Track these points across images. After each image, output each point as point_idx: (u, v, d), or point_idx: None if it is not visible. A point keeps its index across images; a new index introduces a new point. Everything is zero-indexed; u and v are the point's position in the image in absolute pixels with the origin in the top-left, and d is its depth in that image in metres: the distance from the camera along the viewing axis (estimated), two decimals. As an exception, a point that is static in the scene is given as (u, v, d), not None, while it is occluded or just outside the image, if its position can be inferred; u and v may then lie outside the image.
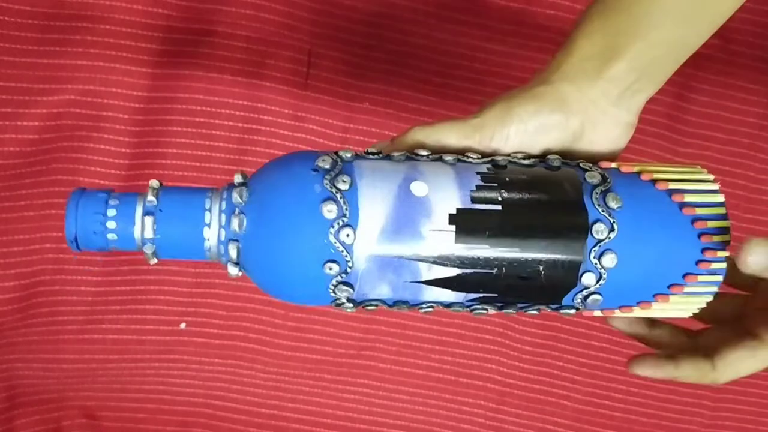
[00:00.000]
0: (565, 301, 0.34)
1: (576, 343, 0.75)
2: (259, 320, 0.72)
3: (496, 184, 0.33)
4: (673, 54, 0.35)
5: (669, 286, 0.34)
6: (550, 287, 0.33)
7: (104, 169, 0.66)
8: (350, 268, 0.32)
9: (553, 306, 0.35)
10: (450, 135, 0.35)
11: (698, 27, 0.34)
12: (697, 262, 0.33)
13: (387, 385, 0.74)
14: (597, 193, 0.33)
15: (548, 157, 0.35)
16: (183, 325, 0.71)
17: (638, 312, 0.35)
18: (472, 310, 0.35)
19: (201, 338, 0.72)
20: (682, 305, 0.35)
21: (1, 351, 0.69)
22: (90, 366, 0.71)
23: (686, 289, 0.34)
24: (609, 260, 0.32)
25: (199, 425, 0.74)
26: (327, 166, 0.32)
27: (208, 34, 0.67)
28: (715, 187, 0.35)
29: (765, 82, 0.73)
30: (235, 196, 0.32)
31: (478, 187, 0.33)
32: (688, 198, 0.34)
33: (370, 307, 0.34)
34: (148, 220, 0.32)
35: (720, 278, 0.34)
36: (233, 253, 0.32)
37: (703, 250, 0.33)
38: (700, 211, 0.33)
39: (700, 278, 0.34)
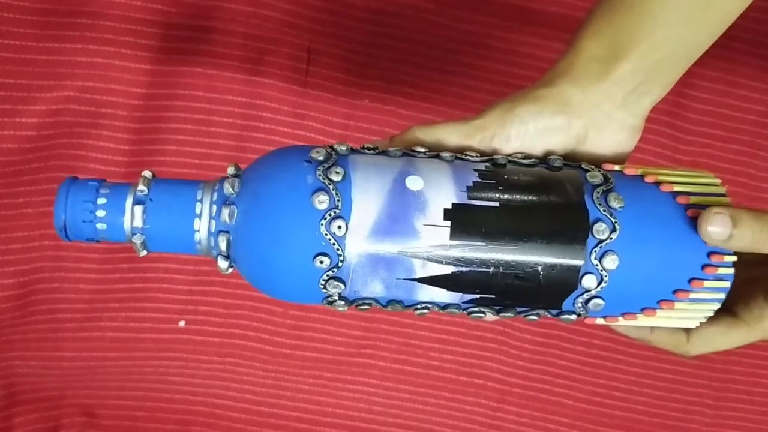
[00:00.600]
0: (566, 305, 0.33)
1: (577, 342, 0.75)
2: (258, 318, 0.72)
3: (494, 182, 0.32)
4: (679, 55, 0.34)
5: (674, 292, 0.33)
6: (550, 289, 0.32)
7: (103, 165, 0.66)
8: (342, 262, 0.31)
9: (554, 311, 0.34)
10: (450, 135, 0.35)
11: (705, 27, 0.34)
12: (703, 267, 0.33)
13: (387, 384, 0.74)
14: (598, 192, 0.32)
15: (549, 157, 0.34)
16: (182, 323, 0.71)
17: (642, 320, 0.34)
18: (469, 313, 0.34)
19: (200, 336, 0.72)
20: (688, 313, 0.34)
21: (0, 349, 0.68)
22: (88, 364, 0.71)
23: (692, 296, 0.33)
24: (610, 262, 0.31)
25: (198, 423, 0.73)
26: (321, 158, 0.32)
27: (207, 30, 0.67)
28: (722, 190, 0.34)
29: (766, 80, 0.72)
30: (227, 187, 0.32)
31: (475, 184, 0.32)
32: (694, 200, 0.33)
33: (363, 307, 0.33)
34: (138, 209, 0.32)
35: (728, 284, 0.33)
36: (223, 244, 0.32)
37: (710, 254, 0.33)
38: None
39: (707, 284, 0.33)
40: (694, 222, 0.32)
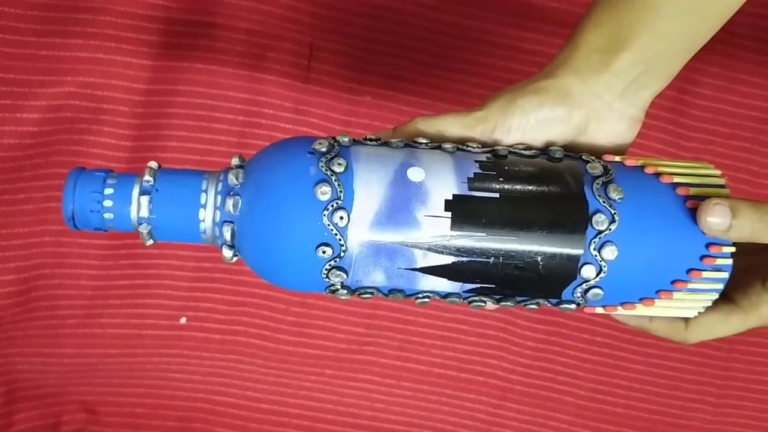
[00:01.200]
0: (565, 295, 0.33)
1: (578, 339, 0.74)
2: (259, 315, 0.72)
3: (494, 173, 0.32)
4: (679, 47, 0.34)
5: (672, 282, 0.33)
6: (549, 279, 0.32)
7: (104, 161, 0.66)
8: (344, 252, 0.31)
9: (553, 300, 0.34)
10: (452, 126, 0.35)
11: (705, 20, 0.34)
12: (702, 258, 0.33)
13: (388, 381, 0.74)
14: (598, 184, 0.32)
15: (550, 148, 0.34)
16: (183, 320, 0.71)
17: (641, 309, 0.34)
18: (469, 303, 0.34)
19: (201, 333, 0.71)
20: (686, 303, 0.34)
21: (1, 345, 0.68)
22: (89, 360, 0.71)
23: (690, 286, 0.33)
24: (609, 252, 0.32)
25: (199, 420, 0.73)
26: (323, 150, 0.32)
27: (208, 26, 0.67)
28: (722, 181, 0.34)
29: (769, 76, 0.72)
30: (231, 178, 0.32)
31: (476, 175, 0.32)
32: (693, 192, 0.33)
33: (365, 296, 0.34)
34: (144, 199, 0.32)
35: (726, 275, 0.33)
36: (227, 234, 0.32)
37: (708, 245, 0.33)
38: None
39: (705, 274, 0.33)
40: (693, 213, 0.33)
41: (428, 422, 0.75)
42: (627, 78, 0.34)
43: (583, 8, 0.36)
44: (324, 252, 0.31)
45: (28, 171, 0.65)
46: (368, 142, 0.34)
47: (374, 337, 0.73)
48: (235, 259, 0.34)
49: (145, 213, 0.32)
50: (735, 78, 0.72)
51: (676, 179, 0.33)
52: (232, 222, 0.32)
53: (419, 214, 0.31)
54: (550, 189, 0.32)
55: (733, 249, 0.33)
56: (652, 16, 0.33)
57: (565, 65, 0.35)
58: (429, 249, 0.31)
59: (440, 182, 0.32)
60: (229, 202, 0.32)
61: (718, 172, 0.34)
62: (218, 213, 0.32)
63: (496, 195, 0.32)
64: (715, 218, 0.32)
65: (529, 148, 0.34)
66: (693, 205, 0.33)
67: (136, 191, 0.32)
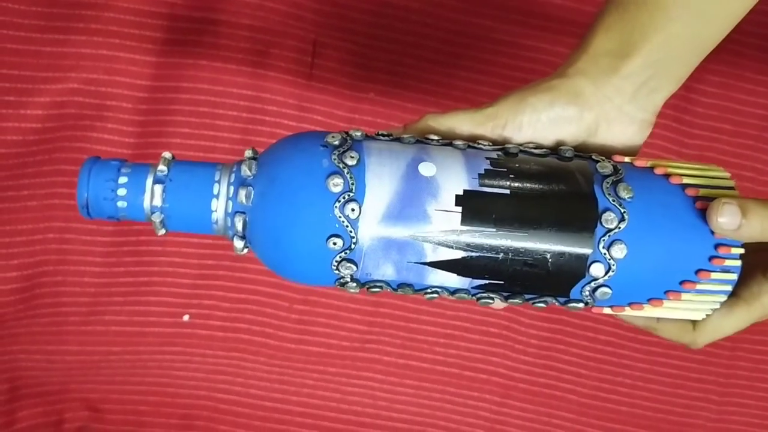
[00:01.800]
0: (573, 293, 0.33)
1: (582, 337, 0.74)
2: (263, 312, 0.72)
3: (505, 170, 0.32)
4: (689, 50, 0.34)
5: (681, 283, 0.33)
6: (558, 276, 0.32)
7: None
8: (354, 244, 0.32)
9: (561, 299, 0.34)
10: (463, 123, 0.35)
11: (714, 23, 0.34)
12: (710, 259, 0.33)
13: (391, 379, 0.74)
14: (608, 183, 0.32)
15: (560, 148, 0.34)
16: (186, 317, 0.71)
17: (649, 310, 0.34)
18: (477, 299, 0.34)
19: (204, 330, 0.71)
20: (694, 304, 0.34)
21: (4, 342, 0.68)
22: (92, 358, 0.71)
23: (699, 287, 0.33)
24: (618, 251, 0.32)
25: (202, 418, 0.73)
26: (336, 143, 0.33)
27: (212, 23, 0.67)
28: (731, 183, 0.34)
29: (773, 74, 0.72)
30: (244, 169, 0.33)
31: (487, 171, 0.32)
32: (703, 192, 0.33)
33: (374, 289, 0.34)
34: (158, 188, 0.33)
35: (735, 276, 0.33)
36: (239, 225, 0.33)
37: (717, 246, 0.33)
38: None
39: (713, 275, 0.33)
40: (702, 214, 0.33)
41: (431, 420, 0.75)
42: (637, 81, 0.34)
43: (587, 6, 0.36)
44: (335, 243, 0.31)
45: (32, 167, 0.65)
46: (380, 138, 0.34)
47: (377, 334, 0.73)
48: (245, 251, 0.34)
49: (158, 202, 0.33)
50: (740, 76, 0.72)
51: (686, 180, 0.33)
52: (244, 212, 0.33)
53: (430, 208, 0.31)
54: (561, 187, 0.32)
55: (741, 250, 0.33)
56: (662, 21, 0.33)
57: (576, 67, 0.35)
58: (439, 243, 0.32)
59: (451, 177, 0.32)
60: (242, 193, 0.32)
61: (727, 174, 0.34)
62: (230, 203, 0.33)
63: (507, 191, 0.32)
64: (725, 218, 0.32)
65: (539, 147, 0.34)
66: (702, 205, 0.33)
67: (150, 180, 0.33)
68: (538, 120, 0.34)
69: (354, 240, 0.31)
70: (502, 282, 0.33)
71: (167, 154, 0.33)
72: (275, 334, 0.72)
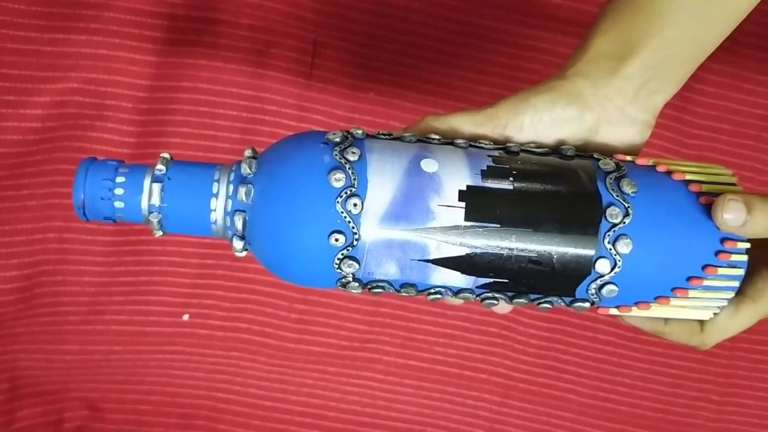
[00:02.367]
0: (579, 292, 0.33)
1: (582, 337, 0.74)
2: (262, 312, 0.72)
3: (507, 167, 0.32)
4: (688, 53, 0.35)
5: (687, 279, 0.33)
6: (563, 273, 0.32)
7: (107, 157, 0.66)
8: (356, 240, 0.31)
9: (567, 299, 0.33)
10: (464, 123, 0.35)
11: (713, 26, 0.34)
12: (717, 253, 0.33)
13: (391, 378, 0.74)
14: (611, 178, 0.32)
15: (562, 147, 0.34)
16: (186, 317, 0.71)
17: (656, 310, 0.34)
18: (482, 300, 0.34)
19: (204, 330, 0.71)
20: (702, 302, 0.34)
21: (4, 342, 0.68)
22: (92, 357, 0.71)
23: (706, 283, 0.33)
24: (624, 246, 0.32)
25: (202, 417, 0.73)
26: (337, 140, 0.32)
27: (212, 23, 0.67)
28: (733, 180, 0.34)
29: (773, 74, 0.72)
30: (244, 167, 0.32)
31: (489, 168, 0.32)
32: (706, 188, 0.33)
33: (376, 290, 0.33)
34: (156, 187, 0.32)
35: (741, 272, 0.33)
36: (239, 224, 0.32)
37: (723, 240, 0.33)
38: None
39: (720, 271, 0.33)
40: (707, 209, 0.33)
41: (430, 420, 0.75)
42: (637, 83, 0.34)
43: (588, 6, 0.37)
44: (337, 240, 0.31)
45: (32, 167, 0.65)
46: (381, 137, 0.34)
47: (377, 334, 0.73)
48: (244, 253, 0.33)
49: (156, 201, 0.32)
50: (739, 75, 0.72)
51: (689, 177, 0.33)
52: (243, 211, 0.32)
53: (433, 204, 0.31)
54: (564, 183, 0.32)
55: (747, 245, 0.33)
56: (660, 23, 0.34)
57: (576, 69, 0.35)
58: (442, 240, 0.31)
59: (454, 173, 0.32)
60: (242, 191, 0.32)
61: (729, 171, 0.34)
62: (230, 202, 0.32)
63: (510, 188, 0.32)
64: (731, 214, 0.32)
65: (541, 146, 0.34)
66: (707, 201, 0.33)
67: (147, 180, 0.32)
68: (539, 120, 0.34)
69: (356, 236, 0.31)
70: (506, 281, 0.32)
71: (166, 155, 0.33)
72: (275, 333, 0.72)
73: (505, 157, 0.33)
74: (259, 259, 0.34)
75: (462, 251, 0.32)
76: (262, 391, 0.73)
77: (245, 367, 0.73)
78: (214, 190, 0.32)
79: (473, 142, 0.34)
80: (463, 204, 0.31)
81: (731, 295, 0.34)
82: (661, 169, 0.34)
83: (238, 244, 0.33)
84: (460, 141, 0.34)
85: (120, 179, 0.32)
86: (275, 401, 0.74)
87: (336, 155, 0.31)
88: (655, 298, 0.34)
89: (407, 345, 0.73)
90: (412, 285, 0.33)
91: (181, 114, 0.67)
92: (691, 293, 0.33)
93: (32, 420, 0.70)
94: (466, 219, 0.31)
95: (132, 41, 0.64)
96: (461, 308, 0.73)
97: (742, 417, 0.76)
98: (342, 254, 0.31)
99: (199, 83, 0.67)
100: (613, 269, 0.32)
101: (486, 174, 0.32)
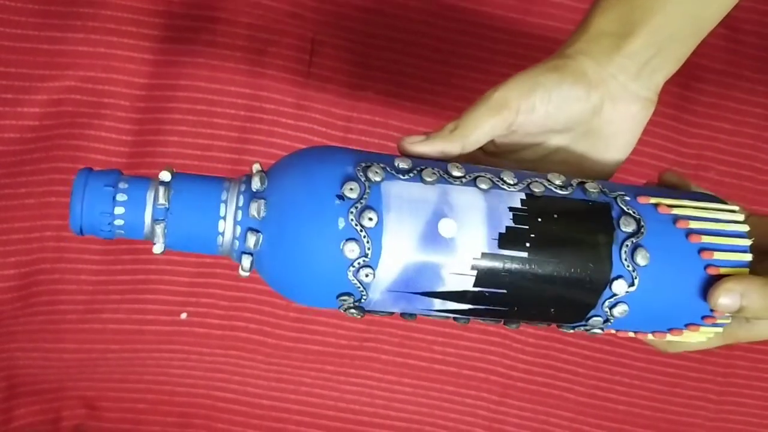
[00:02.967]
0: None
1: (580, 336, 0.74)
2: (260, 311, 0.71)
3: (526, 227, 0.32)
4: (690, 29, 0.35)
5: (669, 330, 0.35)
6: (558, 323, 0.35)
7: (105, 156, 0.66)
8: (364, 299, 0.32)
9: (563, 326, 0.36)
10: (479, 118, 0.35)
11: (714, 3, 0.35)
12: (703, 318, 0.34)
13: (389, 377, 0.74)
14: (627, 246, 0.32)
15: (586, 185, 0.34)
16: (184, 316, 0.71)
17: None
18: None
19: (202, 329, 0.71)
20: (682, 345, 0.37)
21: (1, 340, 0.68)
22: (90, 356, 0.71)
23: (684, 334, 0.35)
24: (619, 311, 0.33)
25: (200, 416, 0.73)
26: (353, 196, 0.31)
27: (210, 21, 0.66)
28: (744, 228, 0.34)
29: (773, 73, 0.72)
30: (252, 211, 0.32)
31: (508, 230, 0.32)
32: (717, 256, 0.33)
33: (377, 315, 0.35)
34: (159, 227, 0.31)
35: (724, 326, 0.35)
36: (246, 263, 0.32)
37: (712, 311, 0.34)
38: (724, 271, 0.33)
39: (702, 330, 0.35)
40: (709, 279, 0.33)
41: (429, 419, 0.75)
42: (640, 60, 0.35)
43: (588, 5, 0.37)
44: (345, 300, 0.32)
45: (29, 165, 0.65)
46: (401, 177, 0.32)
47: (375, 333, 0.73)
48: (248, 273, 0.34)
49: (159, 239, 0.32)
50: (738, 75, 0.72)
51: (704, 239, 0.33)
52: (251, 254, 0.32)
53: (444, 272, 0.32)
54: (580, 248, 0.32)
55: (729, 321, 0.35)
56: (660, 2, 0.34)
57: (577, 48, 0.35)
58: (449, 299, 0.32)
59: (470, 239, 0.31)
60: (251, 240, 0.32)
61: (738, 212, 0.34)
62: (237, 243, 0.32)
63: (525, 255, 0.32)
64: (726, 300, 0.33)
65: (565, 183, 0.33)
66: (713, 272, 0.33)
67: (148, 215, 0.32)
68: (549, 99, 0.35)
69: (365, 297, 0.32)
70: (503, 321, 0.35)
71: (165, 177, 0.32)
72: (273, 332, 0.72)
73: (526, 211, 0.32)
74: (266, 282, 0.34)
75: (466, 307, 0.33)
76: (260, 390, 0.73)
77: (243, 366, 0.73)
78: (220, 229, 0.32)
79: (496, 180, 0.33)
80: (474, 272, 0.32)
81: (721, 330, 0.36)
82: (680, 225, 0.34)
83: (244, 274, 0.33)
84: (482, 183, 0.32)
85: (119, 210, 0.31)
86: (273, 400, 0.74)
87: (352, 220, 0.30)
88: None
89: (406, 344, 0.73)
90: (412, 315, 0.35)
91: (179, 112, 0.67)
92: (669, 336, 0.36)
93: (30, 419, 0.70)
94: (475, 285, 0.32)
95: (130, 39, 0.64)
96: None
97: (740, 416, 0.76)
98: (349, 305, 0.33)
99: (197, 81, 0.66)
100: (605, 323, 0.34)
101: (503, 240, 0.31)
